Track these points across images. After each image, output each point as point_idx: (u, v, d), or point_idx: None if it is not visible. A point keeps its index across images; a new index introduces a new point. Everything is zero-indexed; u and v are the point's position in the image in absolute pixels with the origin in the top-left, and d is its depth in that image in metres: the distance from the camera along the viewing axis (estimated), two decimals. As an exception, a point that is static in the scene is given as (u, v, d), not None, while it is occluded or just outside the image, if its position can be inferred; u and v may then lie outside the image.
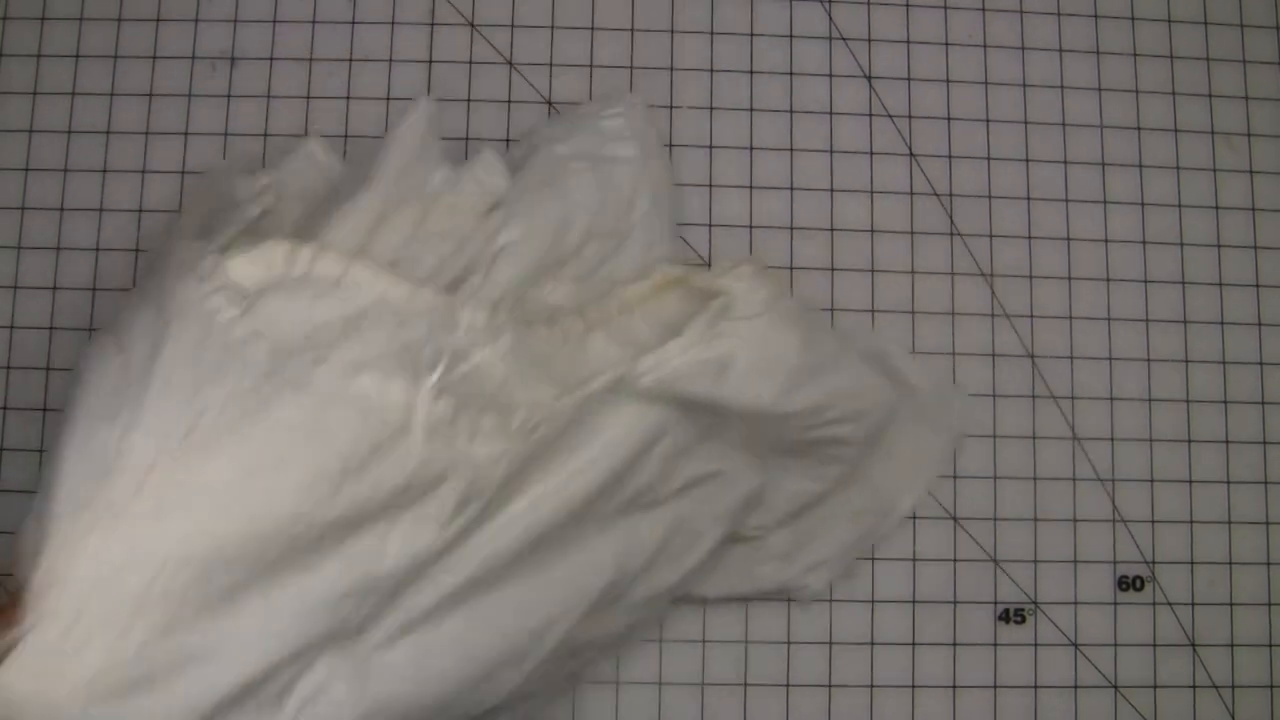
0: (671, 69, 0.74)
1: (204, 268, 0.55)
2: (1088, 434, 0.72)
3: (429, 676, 0.56)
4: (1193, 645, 0.70)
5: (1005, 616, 0.70)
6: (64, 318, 0.70)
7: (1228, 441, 0.72)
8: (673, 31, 0.74)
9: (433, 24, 0.74)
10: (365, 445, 0.53)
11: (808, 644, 0.70)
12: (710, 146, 0.73)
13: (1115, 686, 0.69)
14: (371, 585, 0.54)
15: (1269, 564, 0.71)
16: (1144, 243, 0.73)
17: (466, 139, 0.72)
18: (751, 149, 0.73)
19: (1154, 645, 0.70)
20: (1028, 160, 0.74)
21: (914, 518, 0.71)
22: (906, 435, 0.70)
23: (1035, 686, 0.69)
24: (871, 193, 0.73)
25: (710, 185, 0.73)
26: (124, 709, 0.49)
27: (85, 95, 0.72)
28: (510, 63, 0.73)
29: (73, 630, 0.49)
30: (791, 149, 0.73)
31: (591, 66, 0.73)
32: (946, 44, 0.75)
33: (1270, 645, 0.70)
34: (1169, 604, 0.70)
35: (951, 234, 0.73)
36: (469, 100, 0.73)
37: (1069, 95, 0.74)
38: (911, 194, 0.73)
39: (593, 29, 0.74)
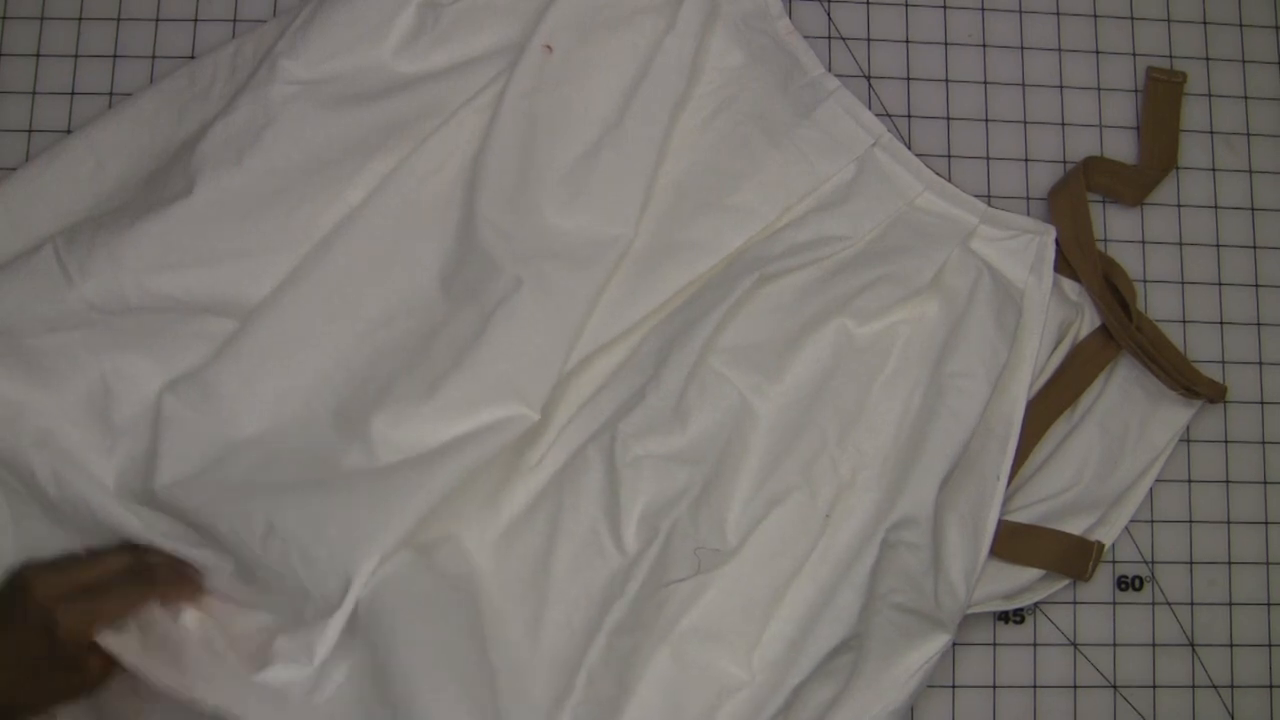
0: (671, 69, 0.74)
1: None
2: (1087, 434, 0.72)
3: None
4: (1192, 645, 0.70)
5: (1005, 616, 0.70)
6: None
7: (1227, 441, 0.72)
8: (672, 31, 0.74)
9: None
10: None
11: (807, 644, 0.70)
12: (710, 146, 0.73)
13: (1114, 686, 0.69)
14: None
15: (1268, 564, 0.71)
16: (1143, 243, 0.73)
17: None
18: (751, 149, 0.73)
19: (1153, 645, 0.70)
20: (1027, 160, 0.74)
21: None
22: None
23: (1035, 686, 0.69)
24: (871, 192, 0.73)
25: (710, 185, 0.73)
26: None
27: (85, 95, 0.72)
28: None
29: None
30: (791, 149, 0.73)
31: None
32: (946, 44, 0.75)
33: (1270, 645, 0.70)
34: (1168, 604, 0.70)
35: (951, 234, 0.73)
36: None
37: (1069, 95, 0.74)
38: (911, 194, 0.73)
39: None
